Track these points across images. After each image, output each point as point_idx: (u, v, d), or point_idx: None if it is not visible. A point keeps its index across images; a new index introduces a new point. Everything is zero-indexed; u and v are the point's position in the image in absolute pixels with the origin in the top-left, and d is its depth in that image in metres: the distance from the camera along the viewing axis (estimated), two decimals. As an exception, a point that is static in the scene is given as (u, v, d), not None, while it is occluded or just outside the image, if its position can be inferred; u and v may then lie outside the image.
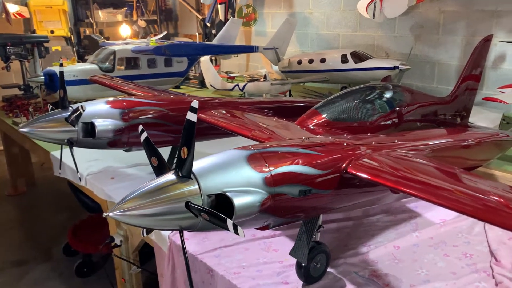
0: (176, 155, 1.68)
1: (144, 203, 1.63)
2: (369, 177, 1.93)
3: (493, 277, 2.30)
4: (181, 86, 7.53)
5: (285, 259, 2.46)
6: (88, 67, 5.45)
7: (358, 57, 5.69)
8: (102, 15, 8.82)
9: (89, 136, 2.80)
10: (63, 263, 4.98)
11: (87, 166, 3.89)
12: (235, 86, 6.44)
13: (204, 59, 6.81)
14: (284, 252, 2.46)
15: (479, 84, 5.43)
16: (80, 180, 2.86)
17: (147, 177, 3.72)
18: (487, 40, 4.17)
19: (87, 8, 8.96)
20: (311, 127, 3.04)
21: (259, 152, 1.87)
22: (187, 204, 1.62)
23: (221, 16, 8.16)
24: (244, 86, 6.30)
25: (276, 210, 1.84)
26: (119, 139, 2.93)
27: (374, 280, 2.28)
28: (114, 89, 4.17)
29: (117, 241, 3.49)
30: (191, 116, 1.61)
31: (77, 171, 2.99)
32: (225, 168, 1.75)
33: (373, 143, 2.31)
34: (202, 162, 1.78)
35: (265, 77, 6.44)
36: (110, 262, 3.97)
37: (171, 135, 3.12)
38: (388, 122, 3.44)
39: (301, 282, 2.27)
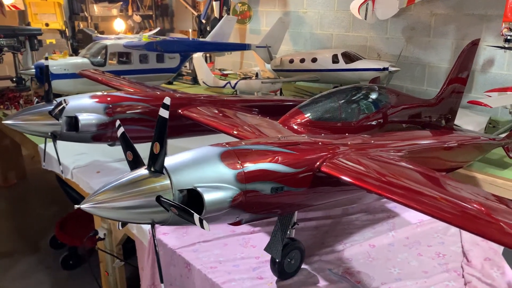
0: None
1: (116, 196, 1.67)
2: (340, 176, 1.98)
3: (463, 276, 2.35)
4: (174, 82, 7.56)
5: (262, 255, 2.51)
6: (79, 61, 5.46)
7: (349, 57, 5.73)
8: (97, 9, 8.82)
9: (72, 129, 2.83)
10: (50, 255, 5.01)
11: (74, 159, 3.92)
12: (227, 83, 6.47)
13: (197, 56, 6.83)
14: (262, 248, 2.48)
15: (468, 87, 5.51)
16: (62, 173, 2.89)
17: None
18: (474, 44, 4.21)
19: (82, 1, 8.95)
20: (294, 126, 3.08)
21: (233, 149, 1.91)
22: (158, 198, 1.66)
23: (216, 13, 8.18)
24: (236, 83, 6.33)
25: (248, 206, 1.88)
26: (103, 134, 2.96)
27: (347, 278, 2.33)
28: (103, 84, 4.20)
29: (101, 234, 3.53)
30: (163, 113, 1.65)
31: (60, 164, 3.02)
32: (198, 164, 1.79)
33: (349, 143, 2.35)
34: (176, 158, 1.83)
35: (256, 75, 6.47)
36: (95, 255, 4.00)
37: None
38: (373, 123, 3.48)
39: (275, 278, 2.32)
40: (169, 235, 2.73)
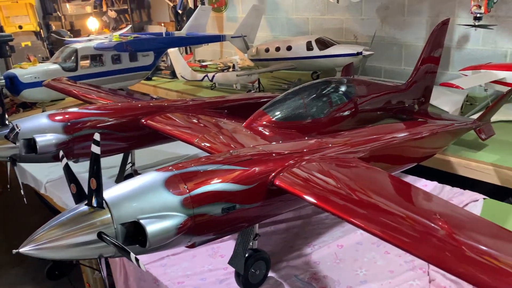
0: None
1: (57, 236, 1.65)
2: (293, 191, 1.94)
3: (428, 274, 2.36)
4: (153, 78, 7.46)
5: (229, 266, 2.50)
6: (50, 67, 5.36)
7: (323, 43, 5.65)
8: (70, 7, 8.64)
9: (31, 151, 2.78)
10: (35, 266, 5.01)
11: (47, 172, 3.90)
12: (204, 76, 6.40)
13: (173, 50, 6.73)
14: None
15: (444, 64, 5.46)
16: (24, 196, 2.86)
17: (107, 182, 3.74)
18: (444, 24, 4.16)
19: (55, 1, 8.76)
20: (259, 128, 3.04)
21: (179, 173, 1.87)
22: (100, 234, 1.64)
23: (190, 3, 8.05)
24: (213, 76, 6.26)
25: (198, 230, 1.86)
26: (65, 152, 2.91)
27: (312, 284, 2.33)
28: (71, 96, 4.13)
29: (78, 247, 3.51)
30: (95, 149, 1.62)
31: (21, 189, 2.99)
32: (141, 194, 1.76)
33: (306, 150, 2.31)
34: (117, 189, 1.79)
35: (233, 66, 6.40)
36: (78, 266, 4.00)
37: (119, 143, 3.12)
38: (343, 114, 3.44)
39: (242, 290, 2.32)
40: (138, 250, 2.71)
